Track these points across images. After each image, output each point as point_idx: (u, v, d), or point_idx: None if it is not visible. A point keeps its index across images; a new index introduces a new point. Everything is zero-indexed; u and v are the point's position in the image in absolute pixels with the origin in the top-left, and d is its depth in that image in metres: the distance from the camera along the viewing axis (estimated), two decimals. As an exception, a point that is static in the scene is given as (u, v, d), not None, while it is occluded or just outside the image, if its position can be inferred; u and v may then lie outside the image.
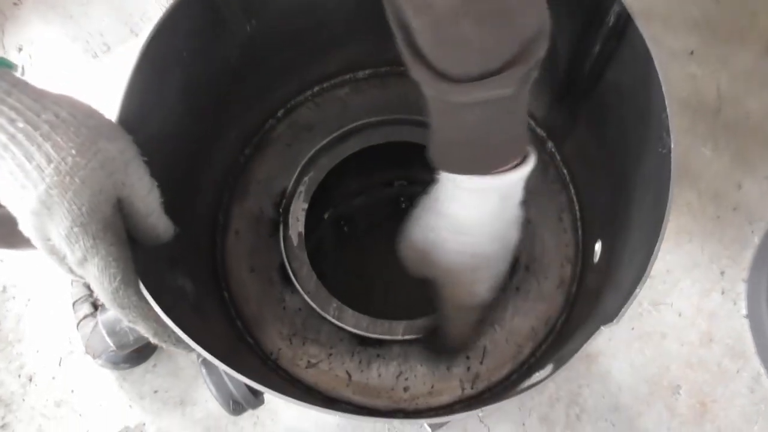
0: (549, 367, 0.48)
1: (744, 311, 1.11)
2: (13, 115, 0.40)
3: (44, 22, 1.30)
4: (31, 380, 1.08)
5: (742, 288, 1.13)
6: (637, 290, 0.41)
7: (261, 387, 0.44)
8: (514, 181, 0.49)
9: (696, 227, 1.16)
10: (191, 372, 1.06)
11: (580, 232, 0.68)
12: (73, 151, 0.41)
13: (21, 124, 0.40)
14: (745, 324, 1.11)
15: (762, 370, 1.07)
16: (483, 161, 0.49)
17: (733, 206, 1.17)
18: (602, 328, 0.42)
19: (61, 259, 0.43)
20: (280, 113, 0.74)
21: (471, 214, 0.52)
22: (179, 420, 1.04)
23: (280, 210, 0.69)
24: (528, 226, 0.68)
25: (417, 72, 0.44)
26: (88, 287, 1.04)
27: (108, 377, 1.06)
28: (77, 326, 1.03)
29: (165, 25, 0.51)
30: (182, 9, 0.52)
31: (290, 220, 0.68)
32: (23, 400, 1.06)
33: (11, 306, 1.12)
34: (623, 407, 1.07)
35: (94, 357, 1.01)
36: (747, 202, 1.17)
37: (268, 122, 0.73)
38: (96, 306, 1.01)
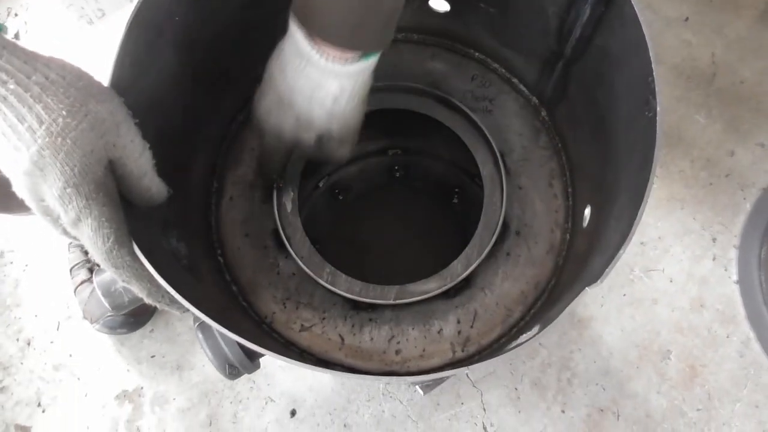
0: (536, 329, 0.49)
1: (735, 277, 1.13)
2: (3, 76, 0.40)
3: (38, -13, 1.30)
4: (29, 344, 1.09)
5: (733, 254, 1.14)
6: (621, 251, 0.42)
7: (255, 347, 0.45)
8: (321, 62, 0.52)
9: (688, 194, 1.17)
10: (188, 337, 1.08)
11: (570, 197, 0.68)
12: (64, 113, 0.41)
13: (12, 86, 0.40)
14: (736, 290, 1.12)
15: (752, 335, 1.09)
16: (319, 27, 0.51)
17: (726, 173, 1.18)
18: (587, 289, 0.43)
19: (55, 220, 0.44)
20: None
21: (285, 66, 0.55)
22: (176, 384, 1.06)
23: (275, 176, 0.69)
24: (519, 192, 0.69)
25: None
26: (85, 252, 1.05)
27: (106, 342, 1.08)
28: (75, 291, 1.04)
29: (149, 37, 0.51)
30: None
31: (284, 187, 0.69)
32: (21, 363, 1.08)
33: (9, 271, 1.13)
34: (614, 371, 1.09)
35: (91, 322, 1.03)
36: (739, 169, 1.18)
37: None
38: (93, 271, 1.02)
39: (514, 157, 0.70)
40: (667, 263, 1.14)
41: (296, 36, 0.52)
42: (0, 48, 0.41)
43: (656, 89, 0.46)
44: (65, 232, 0.45)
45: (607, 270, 0.42)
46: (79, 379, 1.07)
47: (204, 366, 1.06)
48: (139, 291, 0.47)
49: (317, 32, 0.51)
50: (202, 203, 0.67)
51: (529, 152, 0.70)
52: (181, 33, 0.56)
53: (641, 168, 0.46)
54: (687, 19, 1.29)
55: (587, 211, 0.63)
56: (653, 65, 0.46)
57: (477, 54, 0.75)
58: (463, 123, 0.71)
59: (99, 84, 0.45)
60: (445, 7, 0.70)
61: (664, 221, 1.16)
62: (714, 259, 1.14)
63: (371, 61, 0.55)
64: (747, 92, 1.23)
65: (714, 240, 1.15)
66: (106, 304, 0.52)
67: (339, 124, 0.59)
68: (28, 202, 0.43)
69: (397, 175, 0.98)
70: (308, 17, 0.51)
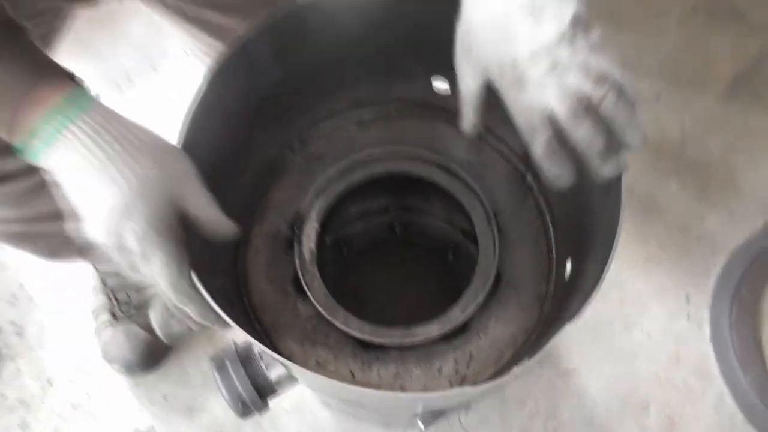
0: (525, 360, 0.57)
1: (708, 335, 1.21)
2: (110, 138, 0.51)
3: (76, 60, 1.41)
4: (50, 383, 1.16)
5: (706, 313, 1.23)
6: (594, 294, 0.51)
7: (291, 364, 0.53)
8: None
9: (663, 256, 1.27)
10: (199, 380, 1.14)
11: (554, 252, 0.78)
12: (152, 167, 0.52)
13: (117, 147, 0.51)
14: (710, 347, 1.20)
15: (726, 390, 1.16)
16: None
17: (698, 237, 1.28)
18: (567, 325, 0.52)
19: (128, 253, 0.53)
20: (295, 145, 0.84)
21: None
22: (186, 425, 1.12)
23: (295, 230, 0.78)
24: (509, 247, 0.78)
25: None
26: (108, 297, 1.12)
27: (121, 383, 1.15)
28: (96, 333, 1.12)
29: (215, 73, 0.62)
30: (230, 60, 0.64)
31: (303, 239, 0.78)
32: (42, 402, 1.14)
33: (36, 314, 1.21)
34: (597, 422, 1.15)
35: (110, 362, 1.10)
36: (710, 234, 1.28)
37: (286, 152, 0.84)
38: (115, 315, 1.09)
39: (505, 216, 0.80)
40: (645, 319, 1.22)
41: None
42: (107, 118, 0.52)
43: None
44: (131, 266, 0.54)
45: (582, 309, 0.51)
46: (94, 417, 1.13)
47: (213, 408, 1.12)
48: (193, 312, 0.56)
49: None
50: (232, 252, 0.76)
51: (518, 212, 0.80)
52: (228, 106, 0.67)
53: (610, 229, 0.56)
54: (658, 95, 1.42)
55: (568, 264, 0.72)
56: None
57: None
58: (461, 186, 0.81)
59: (174, 147, 0.56)
60: (446, 89, 0.82)
61: (642, 280, 1.25)
62: (688, 317, 1.23)
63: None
64: (715, 162, 1.35)
65: (688, 299, 1.24)
66: (160, 333, 0.60)
67: None
68: (107, 236, 0.52)
69: (397, 232, 1.07)
70: None
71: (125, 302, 1.10)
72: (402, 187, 0.89)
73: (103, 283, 1.11)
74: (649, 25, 1.53)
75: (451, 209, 0.88)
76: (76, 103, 0.52)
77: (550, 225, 0.79)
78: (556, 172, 0.55)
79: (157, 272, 0.53)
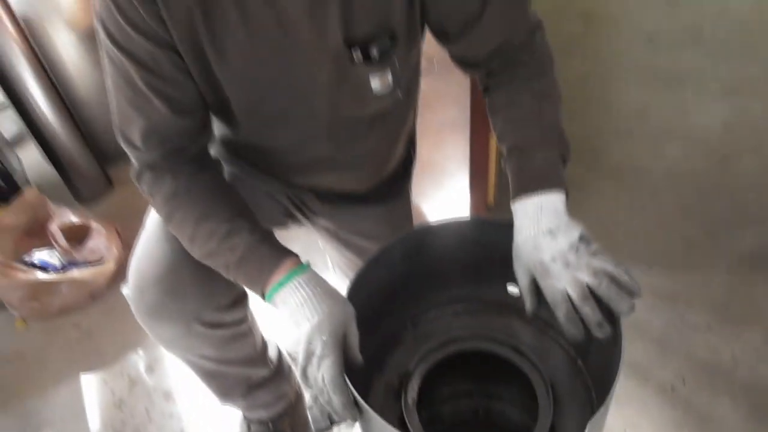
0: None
1: None
2: (313, 289, 0.88)
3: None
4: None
5: None
6: (605, 405, 0.78)
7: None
8: None
9: (721, 465, 1.41)
10: None
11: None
12: (335, 308, 0.87)
13: (317, 292, 0.87)
14: None
15: None
16: None
17: (752, 452, 1.43)
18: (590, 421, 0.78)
19: (309, 357, 0.85)
20: (408, 325, 1.18)
21: None
22: None
23: (403, 382, 1.08)
24: (563, 411, 1.04)
25: None
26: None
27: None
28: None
29: (364, 270, 1.00)
30: (373, 261, 1.02)
31: (408, 390, 1.07)
32: None
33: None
34: None
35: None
36: (764, 450, 1.43)
37: (401, 329, 1.17)
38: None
39: (559, 388, 1.06)
40: None
41: None
42: (312, 278, 0.89)
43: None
44: (304, 371, 0.86)
45: (596, 414, 0.78)
46: None
47: None
48: (337, 402, 0.84)
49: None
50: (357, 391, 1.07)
51: (569, 386, 1.06)
52: (370, 294, 1.03)
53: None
54: (710, 326, 1.66)
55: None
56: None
57: (535, 323, 1.16)
58: (527, 364, 1.09)
59: (345, 298, 0.91)
60: (516, 292, 1.14)
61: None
62: None
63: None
64: (766, 386, 1.52)
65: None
66: (312, 428, 0.90)
67: None
68: (302, 344, 0.85)
69: (480, 415, 1.31)
70: None
71: (263, 444, 1.39)
72: (484, 368, 1.18)
73: (248, 428, 1.41)
74: (700, 270, 1.82)
75: (522, 390, 1.14)
76: (298, 268, 0.90)
77: (593, 395, 1.05)
78: (572, 331, 0.87)
79: (325, 369, 0.84)
